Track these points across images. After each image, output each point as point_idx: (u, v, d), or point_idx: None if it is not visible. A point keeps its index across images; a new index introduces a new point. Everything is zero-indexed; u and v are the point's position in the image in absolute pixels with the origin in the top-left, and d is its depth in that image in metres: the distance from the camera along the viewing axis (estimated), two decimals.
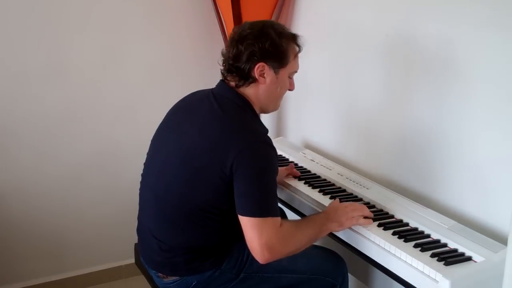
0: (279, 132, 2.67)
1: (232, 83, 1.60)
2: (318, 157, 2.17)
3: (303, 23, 2.42)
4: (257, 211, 1.45)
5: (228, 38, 1.65)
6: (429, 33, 1.74)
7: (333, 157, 2.23)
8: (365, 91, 2.07)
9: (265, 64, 1.55)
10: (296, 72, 1.67)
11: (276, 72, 1.59)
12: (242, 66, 1.56)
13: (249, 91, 1.60)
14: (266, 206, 1.46)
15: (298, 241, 1.52)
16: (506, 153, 1.51)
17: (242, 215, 1.46)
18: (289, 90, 1.69)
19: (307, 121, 2.47)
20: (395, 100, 1.92)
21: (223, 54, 1.62)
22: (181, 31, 2.62)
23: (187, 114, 1.64)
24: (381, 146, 2.02)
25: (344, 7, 2.14)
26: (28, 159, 2.41)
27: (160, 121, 1.73)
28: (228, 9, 2.37)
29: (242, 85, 1.59)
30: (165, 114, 1.74)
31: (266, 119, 2.69)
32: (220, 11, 2.50)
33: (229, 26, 2.43)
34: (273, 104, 1.68)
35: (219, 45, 2.56)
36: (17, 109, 2.35)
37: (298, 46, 1.63)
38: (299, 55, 1.65)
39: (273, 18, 2.46)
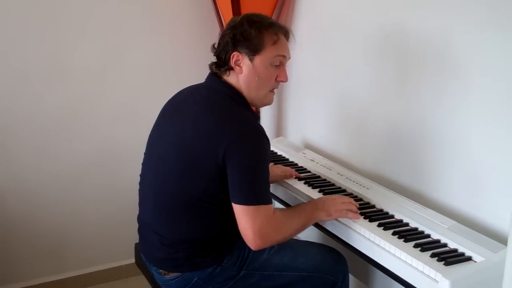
0: (279, 132, 2.67)
1: (216, 72, 1.65)
2: (318, 157, 2.17)
3: (303, 24, 2.42)
4: (250, 199, 1.47)
5: None
6: (424, 32, 1.74)
7: (333, 157, 2.23)
8: (364, 90, 2.07)
9: (238, 53, 1.59)
10: (281, 57, 1.62)
11: (251, 60, 1.60)
12: (219, 55, 1.63)
13: (231, 80, 1.63)
14: (259, 194, 1.49)
15: (289, 229, 1.55)
16: (506, 152, 1.51)
17: (235, 203, 1.49)
18: (281, 81, 1.67)
19: (307, 121, 2.47)
20: (395, 100, 1.92)
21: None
22: (181, 31, 2.62)
23: (178, 109, 1.66)
24: (381, 146, 2.02)
25: (344, 8, 2.14)
26: (29, 158, 2.41)
27: None
28: (228, 9, 2.37)
29: (223, 73, 1.63)
30: None
31: (266, 119, 2.69)
32: (220, 11, 2.50)
33: None
34: (256, 95, 1.63)
35: None
36: (18, 109, 2.35)
37: (277, 34, 1.61)
38: (292, 46, 1.67)
39: (273, 18, 2.45)
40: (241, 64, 1.60)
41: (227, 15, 2.41)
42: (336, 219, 1.64)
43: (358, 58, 2.09)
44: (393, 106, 1.93)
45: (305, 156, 2.20)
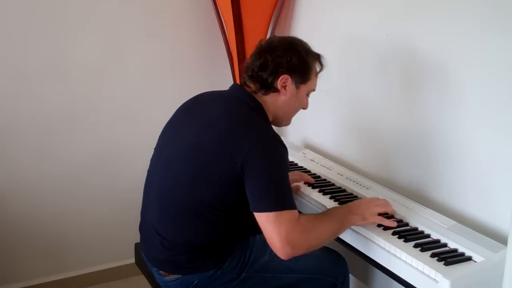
0: (279, 132, 2.65)
1: (250, 89, 1.63)
2: (318, 157, 2.17)
3: (303, 23, 2.42)
4: (272, 206, 1.43)
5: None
6: (429, 34, 1.74)
7: (333, 157, 2.23)
8: (365, 91, 2.07)
9: (289, 77, 1.59)
10: (314, 91, 1.70)
11: (297, 87, 1.63)
12: (266, 76, 1.59)
13: (267, 99, 1.62)
14: (281, 199, 1.44)
15: (319, 234, 1.49)
16: (506, 153, 1.51)
17: (258, 211, 1.45)
18: (303, 109, 1.73)
19: (307, 121, 2.46)
20: (395, 100, 1.93)
21: (247, 64, 1.65)
22: (181, 31, 2.62)
23: (198, 111, 1.65)
24: (381, 146, 2.02)
25: (344, 8, 2.14)
26: (29, 159, 2.41)
27: (160, 121, 1.74)
28: (228, 9, 2.37)
29: (262, 93, 1.61)
30: (165, 114, 1.74)
31: None
32: (220, 11, 2.50)
33: (229, 26, 2.43)
34: (287, 118, 1.72)
35: (219, 45, 2.58)
36: (18, 109, 2.35)
37: (321, 65, 1.67)
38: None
39: (273, 18, 2.46)
40: (287, 88, 1.61)
41: (227, 15, 2.41)
42: None
43: (359, 59, 2.09)
44: (397, 107, 1.93)
45: (305, 156, 2.20)
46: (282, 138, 2.48)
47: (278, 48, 1.59)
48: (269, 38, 1.69)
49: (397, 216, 1.64)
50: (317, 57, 1.66)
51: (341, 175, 1.96)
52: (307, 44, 1.66)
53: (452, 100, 1.67)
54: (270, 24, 2.48)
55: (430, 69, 1.74)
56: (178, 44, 2.62)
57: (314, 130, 2.42)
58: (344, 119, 2.22)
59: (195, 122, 1.60)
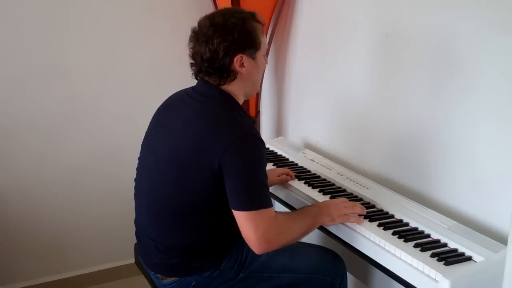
0: (279, 132, 2.67)
1: (213, 82, 1.58)
2: (318, 157, 2.17)
3: (303, 24, 2.42)
4: (250, 205, 1.46)
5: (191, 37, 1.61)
6: (425, 31, 1.74)
7: (333, 157, 2.23)
8: (365, 90, 2.07)
9: (242, 55, 1.54)
10: (267, 48, 1.65)
11: (253, 58, 1.57)
12: (220, 65, 1.53)
13: (232, 87, 1.59)
14: (258, 198, 1.47)
15: (293, 232, 1.54)
16: (506, 152, 1.51)
17: (236, 209, 1.47)
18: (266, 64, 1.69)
19: (307, 121, 2.47)
20: (395, 100, 1.92)
21: (193, 56, 1.58)
22: (181, 31, 2.59)
23: (171, 115, 1.64)
24: (381, 146, 2.02)
25: (343, 8, 2.14)
26: (28, 160, 2.41)
27: None
28: None
29: (227, 84, 1.58)
30: None
31: (266, 119, 2.70)
32: None
33: None
34: (256, 87, 1.67)
35: None
36: (18, 110, 2.35)
37: (260, 22, 1.59)
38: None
39: (273, 18, 2.46)
40: (245, 65, 1.55)
41: None
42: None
43: (358, 58, 2.09)
44: (397, 106, 1.92)
45: (305, 156, 2.20)
46: (282, 138, 2.52)
47: (216, 34, 1.51)
48: (201, 21, 1.57)
49: (397, 216, 1.65)
50: (253, 18, 1.57)
51: (341, 175, 1.96)
52: (237, 9, 1.59)
53: (453, 100, 1.67)
54: (270, 24, 2.48)
55: (429, 68, 1.74)
56: (178, 44, 2.60)
57: (314, 130, 2.42)
58: (344, 119, 2.22)
59: (170, 128, 1.60)
